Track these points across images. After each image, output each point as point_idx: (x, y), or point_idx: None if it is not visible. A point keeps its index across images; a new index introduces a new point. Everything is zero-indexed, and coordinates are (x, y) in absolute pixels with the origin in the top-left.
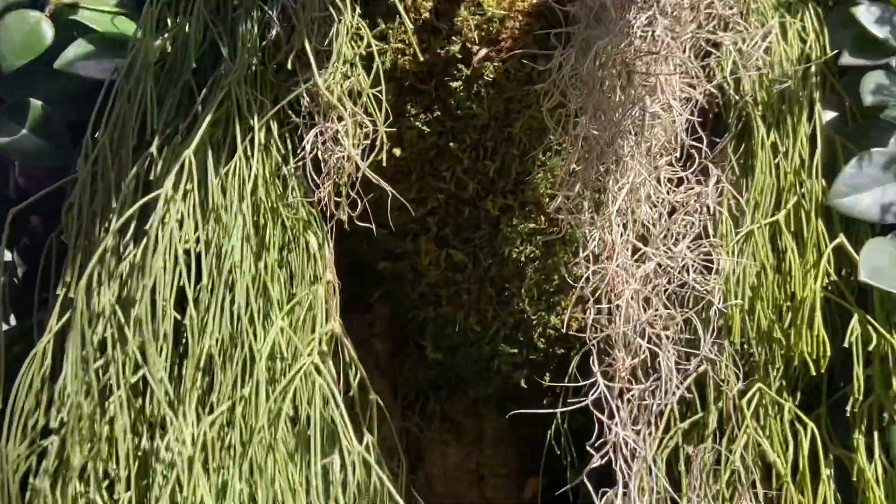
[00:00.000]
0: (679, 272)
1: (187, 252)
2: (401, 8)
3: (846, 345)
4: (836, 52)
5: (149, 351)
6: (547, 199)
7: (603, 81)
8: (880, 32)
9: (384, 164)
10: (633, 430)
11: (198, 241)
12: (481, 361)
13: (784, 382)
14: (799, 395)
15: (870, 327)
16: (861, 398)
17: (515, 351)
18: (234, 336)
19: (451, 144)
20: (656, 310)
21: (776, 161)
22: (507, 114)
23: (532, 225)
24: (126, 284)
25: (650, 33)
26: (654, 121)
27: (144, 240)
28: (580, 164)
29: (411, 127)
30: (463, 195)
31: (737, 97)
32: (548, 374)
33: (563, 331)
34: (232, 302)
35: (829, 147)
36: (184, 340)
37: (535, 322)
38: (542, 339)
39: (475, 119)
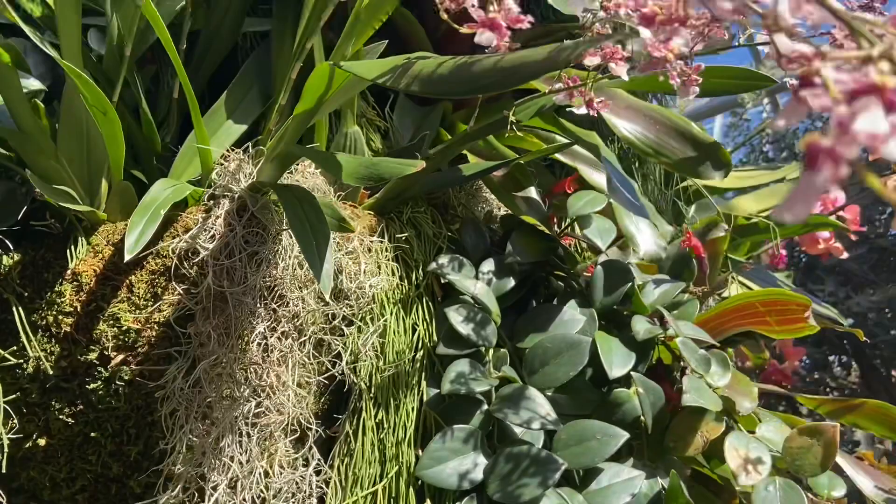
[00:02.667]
0: None
1: None
2: (22, 333)
3: None
4: (436, 342)
5: None
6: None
7: (213, 389)
8: (464, 330)
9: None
10: None
11: None
12: None
13: None
14: None
15: None
16: None
17: None
18: None
19: (93, 434)
20: None
21: (381, 436)
22: (147, 405)
23: (173, 501)
24: None
25: (265, 342)
26: (266, 418)
27: None
28: (183, 466)
29: (57, 419)
30: (109, 475)
31: (355, 380)
32: None
33: None
34: None
35: (430, 422)
36: None
37: None
38: None
39: (116, 411)
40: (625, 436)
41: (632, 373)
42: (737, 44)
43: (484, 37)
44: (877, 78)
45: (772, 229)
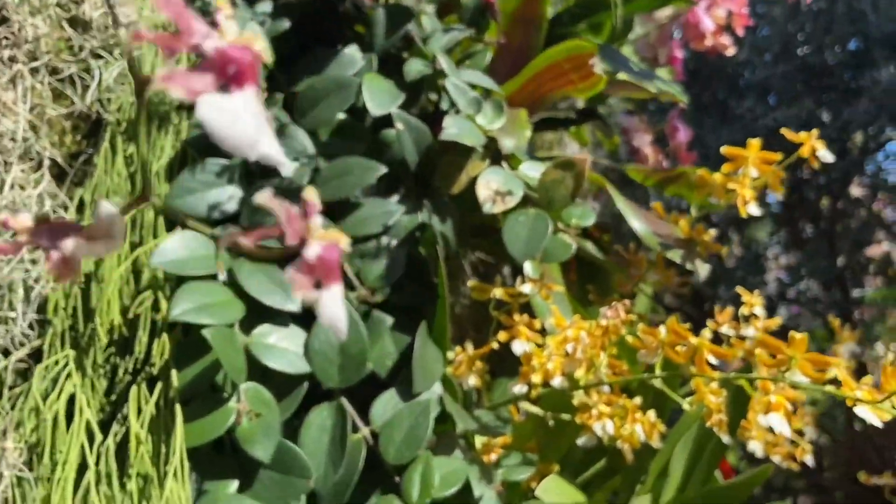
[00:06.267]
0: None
1: None
2: None
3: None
4: None
5: None
6: None
7: None
8: None
9: None
10: None
11: None
12: None
13: None
14: None
15: None
16: None
17: None
18: None
19: None
20: None
21: (132, 169)
22: None
23: None
24: None
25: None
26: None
27: None
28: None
29: None
30: None
31: (104, 114)
32: None
33: None
34: None
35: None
36: None
37: None
38: None
39: None
40: (383, 169)
41: (392, 111)
42: None
43: None
44: None
45: (613, 4)
